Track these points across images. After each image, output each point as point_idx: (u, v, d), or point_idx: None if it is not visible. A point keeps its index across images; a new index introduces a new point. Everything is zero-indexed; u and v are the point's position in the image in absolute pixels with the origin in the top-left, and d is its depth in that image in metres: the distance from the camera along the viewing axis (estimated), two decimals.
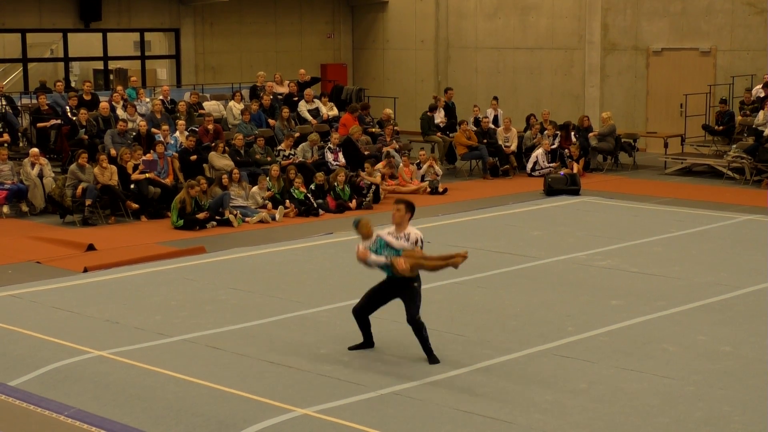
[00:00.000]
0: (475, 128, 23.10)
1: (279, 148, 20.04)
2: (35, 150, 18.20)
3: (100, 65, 28.18)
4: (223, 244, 15.23)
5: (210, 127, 19.79)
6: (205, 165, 18.73)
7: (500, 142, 22.85)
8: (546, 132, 22.81)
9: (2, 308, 11.34)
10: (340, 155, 20.19)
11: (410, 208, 9.43)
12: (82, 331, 10.41)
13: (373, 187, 18.98)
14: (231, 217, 16.91)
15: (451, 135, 23.20)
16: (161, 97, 21.17)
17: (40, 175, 17.80)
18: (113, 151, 18.15)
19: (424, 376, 8.88)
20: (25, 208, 17.85)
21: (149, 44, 28.43)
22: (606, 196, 19.24)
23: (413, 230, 9.40)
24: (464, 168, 22.98)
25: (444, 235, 15.28)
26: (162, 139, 18.82)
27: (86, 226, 16.89)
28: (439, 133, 23.35)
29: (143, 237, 15.96)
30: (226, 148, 19.00)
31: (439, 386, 8.66)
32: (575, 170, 21.08)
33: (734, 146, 21.57)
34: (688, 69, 24.79)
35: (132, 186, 17.62)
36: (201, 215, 16.61)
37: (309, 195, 18.03)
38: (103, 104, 20.00)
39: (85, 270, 13.40)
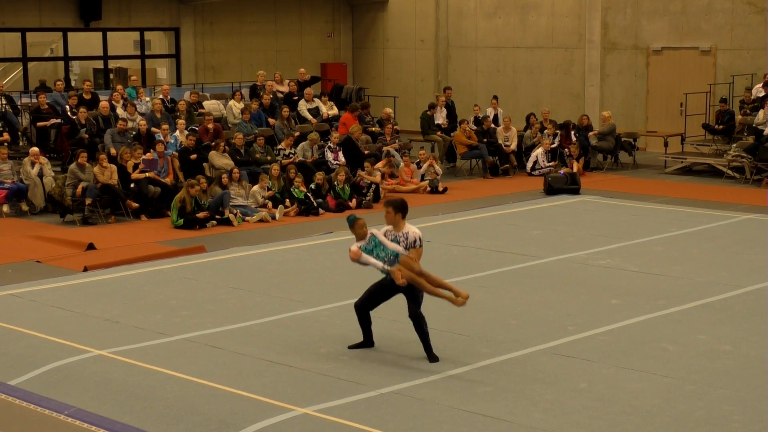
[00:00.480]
0: (475, 127, 23.10)
1: (279, 147, 20.04)
2: (35, 149, 18.20)
3: (100, 64, 28.19)
4: (223, 243, 15.23)
5: (210, 126, 19.79)
6: (205, 164, 18.73)
7: (500, 142, 22.85)
8: (546, 131, 22.81)
9: (2, 307, 11.34)
10: (340, 154, 20.19)
11: (399, 208, 9.35)
12: (82, 330, 10.40)
13: (373, 186, 18.98)
14: (231, 216, 16.91)
15: (451, 134, 23.20)
16: (161, 97, 21.17)
17: (40, 175, 17.80)
18: (113, 151, 18.15)
19: (424, 375, 8.88)
20: (25, 207, 17.85)
21: (149, 43, 28.44)
22: (606, 196, 19.24)
23: (411, 229, 9.37)
24: (464, 167, 22.98)
25: (444, 234, 15.29)
26: (162, 138, 18.82)
27: (86, 225, 16.89)
28: (439, 132, 23.35)
29: (143, 236, 15.96)
30: (227, 147, 19.00)
31: (439, 385, 8.66)
32: (575, 169, 21.09)
33: (734, 145, 21.57)
34: (688, 68, 24.79)
35: (132, 185, 17.62)
36: (201, 214, 16.61)
37: (309, 194, 18.04)
38: (103, 103, 20.00)
39: (85, 269, 13.40)
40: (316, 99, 22.92)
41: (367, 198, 18.73)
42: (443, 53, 29.43)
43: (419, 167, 20.67)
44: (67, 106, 19.73)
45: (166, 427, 7.88)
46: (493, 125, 23.26)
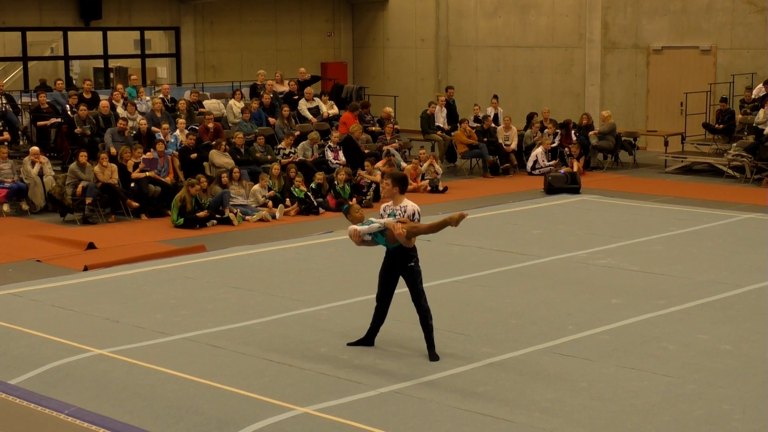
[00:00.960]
0: (476, 125, 23.10)
1: (279, 146, 20.04)
2: (35, 148, 18.20)
3: (100, 64, 28.18)
4: (224, 242, 15.23)
5: (210, 125, 19.79)
6: (205, 163, 18.74)
7: (500, 141, 22.85)
8: (546, 131, 22.81)
9: (2, 307, 11.34)
10: (341, 154, 20.19)
11: (397, 181, 9.31)
12: (83, 329, 10.40)
13: (374, 185, 18.98)
14: (231, 215, 16.92)
15: (451, 134, 23.21)
16: (161, 96, 21.16)
17: (41, 174, 17.80)
18: (113, 150, 18.15)
19: (424, 375, 8.88)
20: (25, 206, 17.86)
21: (149, 43, 28.44)
22: (606, 195, 19.24)
23: (410, 203, 9.33)
24: (464, 166, 22.99)
25: (444, 233, 15.20)
26: (162, 137, 18.81)
27: (86, 224, 16.90)
28: (439, 132, 23.36)
29: (143, 235, 15.96)
30: (227, 146, 19.01)
31: (440, 385, 8.66)
32: (575, 169, 21.09)
33: (734, 145, 21.57)
34: (688, 67, 24.79)
35: (132, 184, 17.63)
36: (201, 214, 16.61)
37: (309, 193, 18.04)
38: (104, 102, 20.00)
39: (86, 268, 13.40)
40: (316, 98, 22.93)
41: (368, 197, 18.73)
42: (443, 52, 29.43)
43: (419, 166, 20.67)
44: (68, 106, 19.73)
45: (166, 427, 7.88)
46: (493, 124, 23.26)
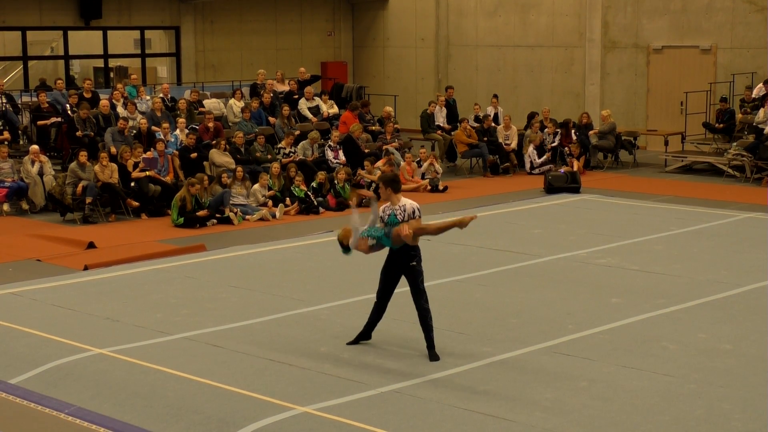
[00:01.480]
0: (476, 124, 23.11)
1: (279, 146, 20.04)
2: (35, 147, 18.20)
3: (100, 63, 28.18)
4: (224, 242, 15.23)
5: (210, 125, 19.79)
6: (205, 163, 18.74)
7: (500, 140, 22.85)
8: (547, 130, 22.81)
9: (3, 306, 11.34)
10: (341, 153, 20.19)
11: (387, 182, 9.35)
12: (83, 329, 10.41)
13: (373, 184, 18.97)
14: (231, 215, 16.92)
15: (451, 133, 23.20)
16: (161, 95, 21.16)
17: (41, 173, 17.80)
18: (113, 149, 18.15)
19: (424, 374, 8.88)
20: (25, 206, 17.86)
21: (149, 42, 28.44)
22: (606, 194, 19.24)
23: (408, 201, 9.35)
24: (464, 166, 22.99)
25: (444, 233, 15.24)
26: (162, 137, 18.81)
27: (86, 224, 16.90)
28: (439, 131, 23.36)
29: (143, 235, 15.96)
30: (227, 146, 19.01)
31: (440, 384, 8.66)
32: (575, 168, 21.09)
33: (734, 144, 21.57)
34: (688, 67, 24.79)
35: (132, 184, 17.63)
36: (201, 213, 16.61)
37: (309, 193, 18.04)
38: (104, 102, 20.00)
39: (86, 268, 13.40)
40: (316, 98, 22.93)
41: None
42: (443, 52, 29.43)
43: (419, 166, 20.68)
44: (68, 105, 19.73)
45: (166, 426, 7.89)
46: (493, 124, 23.26)
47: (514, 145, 22.87)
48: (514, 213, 17.40)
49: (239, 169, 17.89)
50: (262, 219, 17.17)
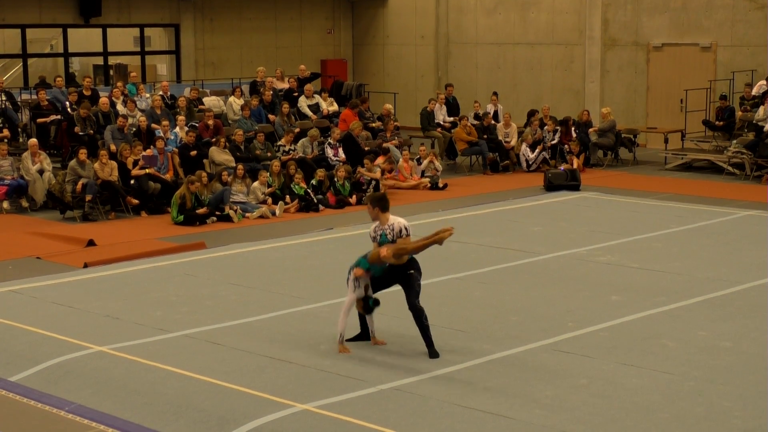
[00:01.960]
0: (476, 122, 23.10)
1: (279, 143, 20.03)
2: (33, 140, 18.19)
3: (100, 61, 28.17)
4: (223, 239, 15.23)
5: (210, 122, 19.78)
6: (205, 160, 18.73)
7: (500, 138, 22.85)
8: (546, 127, 22.80)
9: (2, 304, 11.34)
10: (340, 151, 20.18)
11: (375, 202, 9.45)
12: (83, 326, 10.41)
13: (374, 182, 18.98)
14: (231, 212, 16.91)
15: (451, 131, 23.20)
16: (161, 93, 21.15)
17: (40, 171, 17.80)
18: (113, 147, 18.14)
19: (424, 372, 8.88)
20: (25, 203, 17.86)
21: (149, 40, 28.42)
22: (606, 192, 19.24)
23: (396, 220, 9.43)
24: (464, 163, 22.98)
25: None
26: (162, 134, 18.81)
27: (86, 221, 16.89)
28: (439, 129, 23.35)
29: (143, 233, 15.96)
30: (227, 143, 19.00)
31: (440, 381, 8.66)
32: (575, 166, 21.09)
33: (734, 142, 21.57)
34: (688, 64, 24.79)
35: (132, 182, 17.62)
36: (201, 211, 16.61)
37: (309, 190, 18.04)
38: (103, 100, 19.99)
39: (86, 265, 13.40)
40: (316, 95, 22.92)
41: (367, 194, 18.72)
42: (443, 49, 29.42)
43: (419, 163, 20.68)
44: (67, 102, 19.72)
45: (166, 423, 7.89)
46: (493, 122, 23.26)
47: (514, 142, 22.86)
48: (514, 210, 17.40)
49: (239, 166, 17.89)
50: (261, 216, 17.17)
